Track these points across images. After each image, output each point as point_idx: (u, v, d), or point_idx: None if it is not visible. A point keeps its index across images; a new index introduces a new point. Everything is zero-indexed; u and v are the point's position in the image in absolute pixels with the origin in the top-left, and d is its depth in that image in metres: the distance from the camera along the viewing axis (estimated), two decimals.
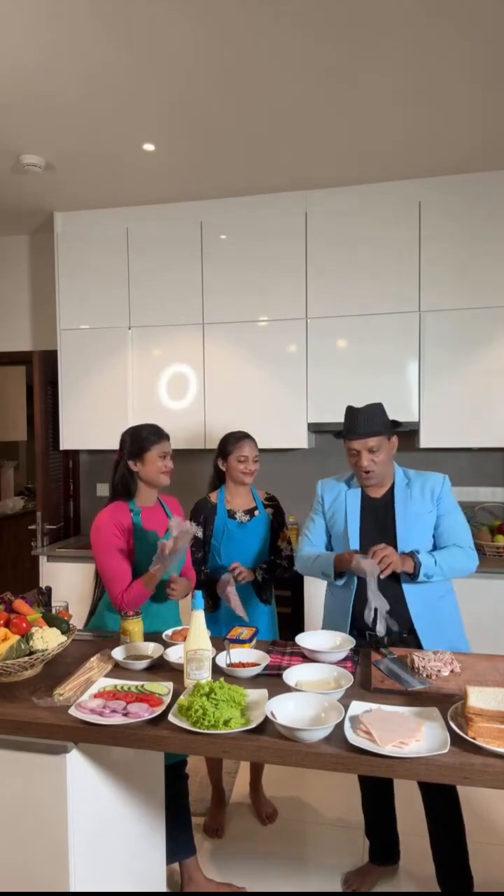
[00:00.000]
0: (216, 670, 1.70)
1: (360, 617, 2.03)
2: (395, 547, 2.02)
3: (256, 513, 2.55)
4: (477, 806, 2.49)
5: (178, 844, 2.12)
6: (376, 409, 2.12)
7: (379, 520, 2.10)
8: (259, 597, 2.50)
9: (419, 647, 1.98)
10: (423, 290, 3.39)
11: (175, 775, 2.12)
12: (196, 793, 2.56)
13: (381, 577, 1.92)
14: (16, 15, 2.10)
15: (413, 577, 1.96)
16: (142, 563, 2.15)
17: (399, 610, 1.99)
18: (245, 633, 1.97)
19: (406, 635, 2.01)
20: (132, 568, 2.16)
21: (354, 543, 2.08)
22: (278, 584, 2.66)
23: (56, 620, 1.84)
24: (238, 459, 2.50)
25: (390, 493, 2.12)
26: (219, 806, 2.54)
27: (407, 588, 2.01)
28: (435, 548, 2.07)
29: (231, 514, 2.51)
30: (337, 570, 2.04)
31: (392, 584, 2.00)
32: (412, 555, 1.97)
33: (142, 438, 2.24)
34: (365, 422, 2.08)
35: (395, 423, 2.16)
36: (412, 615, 2.00)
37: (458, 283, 3.35)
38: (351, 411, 2.13)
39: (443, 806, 1.98)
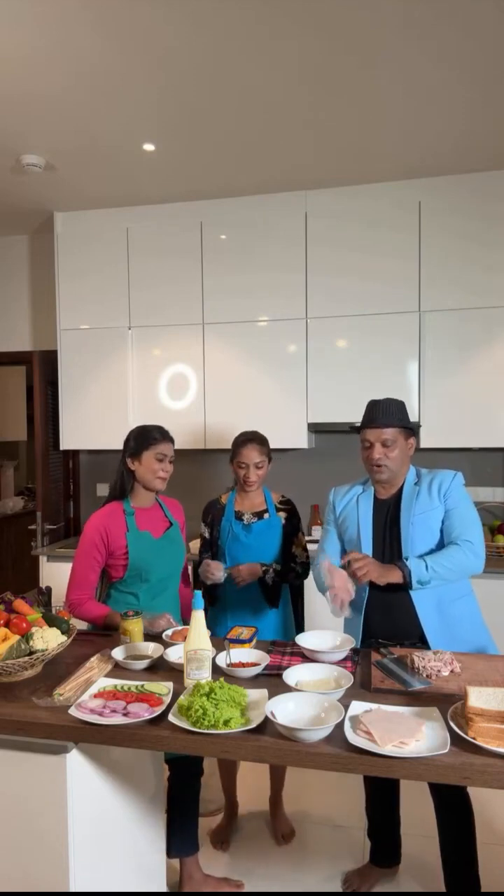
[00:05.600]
0: (216, 670, 1.70)
1: (371, 626, 2.03)
2: (400, 547, 2.00)
3: (266, 515, 2.43)
4: (477, 806, 2.49)
5: (184, 841, 2.13)
6: (397, 404, 2.09)
7: (387, 521, 2.07)
8: (265, 596, 2.39)
9: None
10: (423, 290, 3.39)
11: (191, 773, 2.13)
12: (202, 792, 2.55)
13: (357, 585, 1.91)
14: (15, 15, 2.10)
15: (406, 586, 1.91)
16: (136, 562, 2.16)
17: (408, 617, 1.96)
18: (245, 633, 1.97)
19: (417, 643, 1.96)
20: (127, 567, 2.17)
21: (366, 546, 2.05)
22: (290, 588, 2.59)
23: (56, 620, 1.84)
24: (238, 466, 2.41)
25: (399, 493, 2.08)
26: (230, 819, 2.51)
27: (414, 593, 1.95)
28: (443, 544, 2.00)
29: (238, 516, 2.42)
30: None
31: (399, 593, 1.96)
32: (400, 565, 1.90)
33: (143, 437, 2.22)
34: (382, 413, 2.05)
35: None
36: (421, 620, 1.96)
37: (458, 283, 3.34)
38: (371, 402, 2.11)
39: (456, 816, 1.95)
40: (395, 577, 1.89)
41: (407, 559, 1.92)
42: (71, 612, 2.11)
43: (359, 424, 2.11)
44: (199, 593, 1.66)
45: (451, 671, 1.72)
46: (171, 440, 2.27)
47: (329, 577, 1.91)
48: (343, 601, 1.88)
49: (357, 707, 1.49)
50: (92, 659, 1.80)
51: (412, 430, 2.11)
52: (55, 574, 3.61)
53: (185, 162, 3.18)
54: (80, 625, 2.00)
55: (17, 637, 1.69)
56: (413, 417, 3.35)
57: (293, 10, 2.08)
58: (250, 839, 2.45)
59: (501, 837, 2.41)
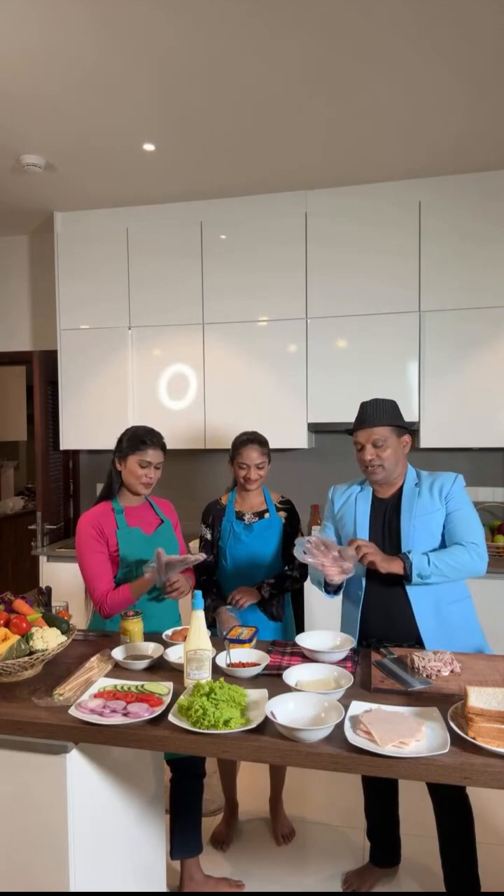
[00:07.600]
0: (216, 670, 1.70)
1: (369, 626, 2.03)
2: (398, 547, 1.99)
3: (267, 515, 2.44)
4: (477, 806, 2.49)
5: (187, 843, 2.13)
6: (386, 404, 2.08)
7: (386, 520, 2.06)
8: (265, 613, 2.34)
9: None
10: (423, 290, 3.39)
11: (191, 773, 2.13)
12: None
13: (363, 563, 1.90)
14: (15, 15, 2.10)
15: (406, 579, 1.91)
16: (128, 559, 2.15)
17: (404, 616, 1.96)
18: (245, 633, 1.97)
19: (414, 645, 1.96)
20: (119, 565, 2.16)
21: None
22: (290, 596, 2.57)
23: (56, 620, 1.84)
24: (239, 466, 2.41)
25: (399, 492, 2.08)
26: (230, 819, 2.51)
27: (412, 593, 1.95)
28: (444, 547, 1.99)
29: (239, 516, 2.43)
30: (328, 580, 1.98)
31: (397, 591, 1.96)
32: (402, 556, 1.92)
33: (132, 441, 2.21)
34: (371, 414, 2.05)
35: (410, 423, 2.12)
36: (418, 622, 1.95)
37: (458, 283, 3.35)
38: (361, 405, 2.10)
39: (455, 816, 1.95)
40: (396, 567, 1.90)
41: (410, 552, 1.92)
42: (108, 608, 2.06)
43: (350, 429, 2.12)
44: (199, 593, 1.66)
45: (451, 671, 1.72)
46: (162, 447, 2.24)
47: (318, 558, 1.88)
48: (343, 570, 1.88)
49: (357, 707, 1.49)
50: (92, 659, 1.80)
51: (405, 428, 2.09)
52: (55, 574, 3.61)
53: (185, 162, 3.18)
54: (81, 624, 2.00)
55: (17, 637, 1.69)
56: (413, 417, 3.38)
57: (293, 10, 2.08)
58: (250, 839, 2.45)
59: (501, 837, 2.41)
